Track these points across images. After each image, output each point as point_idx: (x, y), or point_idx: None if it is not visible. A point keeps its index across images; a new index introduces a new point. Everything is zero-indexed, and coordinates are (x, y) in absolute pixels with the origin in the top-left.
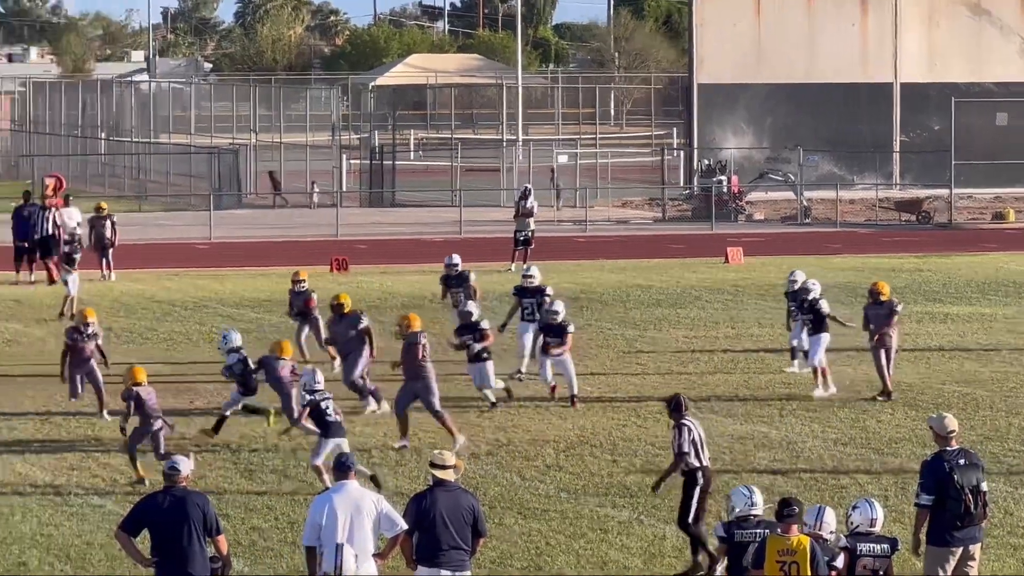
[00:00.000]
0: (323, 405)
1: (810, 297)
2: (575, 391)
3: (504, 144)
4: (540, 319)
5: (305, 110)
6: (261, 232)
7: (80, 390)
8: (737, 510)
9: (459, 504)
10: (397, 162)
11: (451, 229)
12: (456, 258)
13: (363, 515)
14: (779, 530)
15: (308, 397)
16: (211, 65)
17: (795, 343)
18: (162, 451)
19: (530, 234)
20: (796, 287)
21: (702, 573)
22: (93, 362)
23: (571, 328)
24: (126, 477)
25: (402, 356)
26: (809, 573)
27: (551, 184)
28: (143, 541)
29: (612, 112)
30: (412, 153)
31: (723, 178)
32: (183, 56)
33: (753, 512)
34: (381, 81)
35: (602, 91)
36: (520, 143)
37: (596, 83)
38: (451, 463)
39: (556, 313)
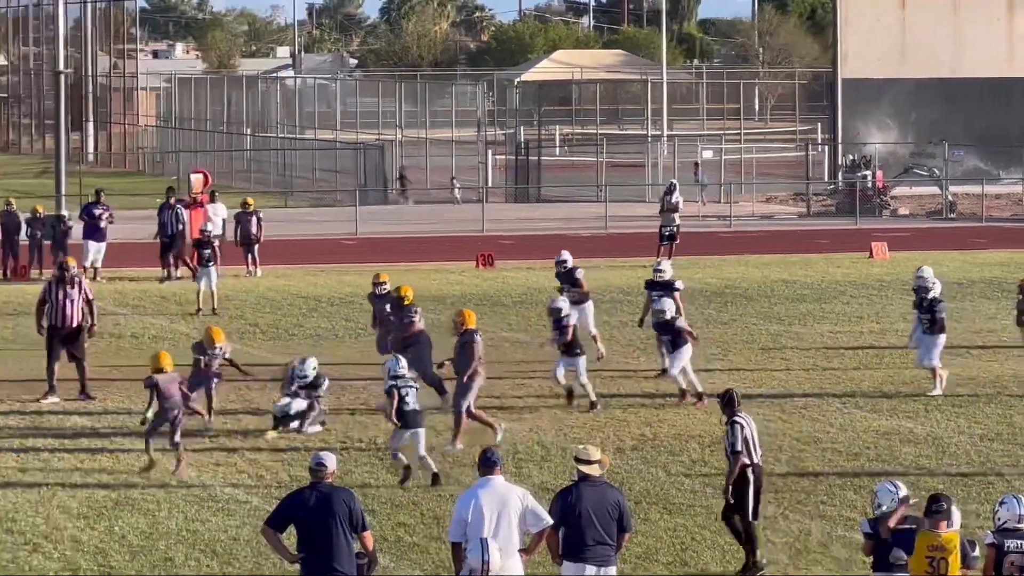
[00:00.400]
0: (403, 392)
1: (929, 296)
2: (682, 384)
3: (649, 140)
4: (653, 317)
5: (451, 106)
6: (407, 228)
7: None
8: (884, 507)
9: (605, 499)
10: (542, 157)
11: (596, 224)
12: (565, 255)
13: (509, 510)
14: (928, 526)
15: (390, 383)
16: (356, 61)
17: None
18: (176, 439)
19: (675, 229)
20: (922, 283)
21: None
22: (214, 380)
23: (681, 323)
24: (272, 473)
25: (455, 353)
26: (958, 570)
27: (695, 179)
28: (289, 537)
29: (756, 107)
30: (557, 149)
31: (868, 173)
32: (328, 52)
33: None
34: (526, 77)
35: (746, 87)
36: (665, 139)
37: (740, 78)
38: (596, 458)
39: (663, 311)
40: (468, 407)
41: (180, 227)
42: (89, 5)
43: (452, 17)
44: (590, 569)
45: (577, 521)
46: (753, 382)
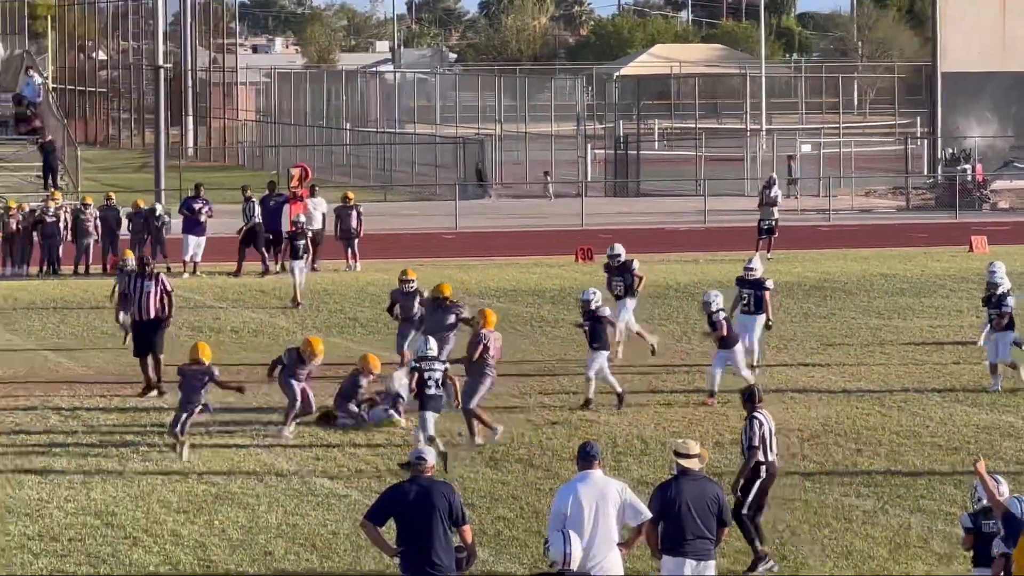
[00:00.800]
0: (426, 376)
1: (999, 292)
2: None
3: (748, 134)
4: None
5: (550, 100)
6: (506, 222)
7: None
8: (984, 501)
9: (704, 493)
10: (641, 152)
11: (695, 219)
12: (618, 248)
13: (608, 504)
14: None
15: (414, 363)
16: (455, 55)
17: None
18: (185, 426)
19: (774, 223)
20: (992, 278)
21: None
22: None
23: (721, 316)
24: (371, 467)
25: (467, 350)
26: None
27: (788, 174)
28: (388, 531)
29: (855, 101)
30: (656, 143)
31: (967, 167)
32: (428, 46)
33: None
34: (626, 71)
35: (845, 80)
36: (764, 132)
37: (839, 72)
38: (695, 452)
39: (708, 303)
40: (471, 405)
41: (253, 220)
42: (188, 0)
43: (551, 11)
44: (690, 563)
45: (676, 515)
46: (852, 376)
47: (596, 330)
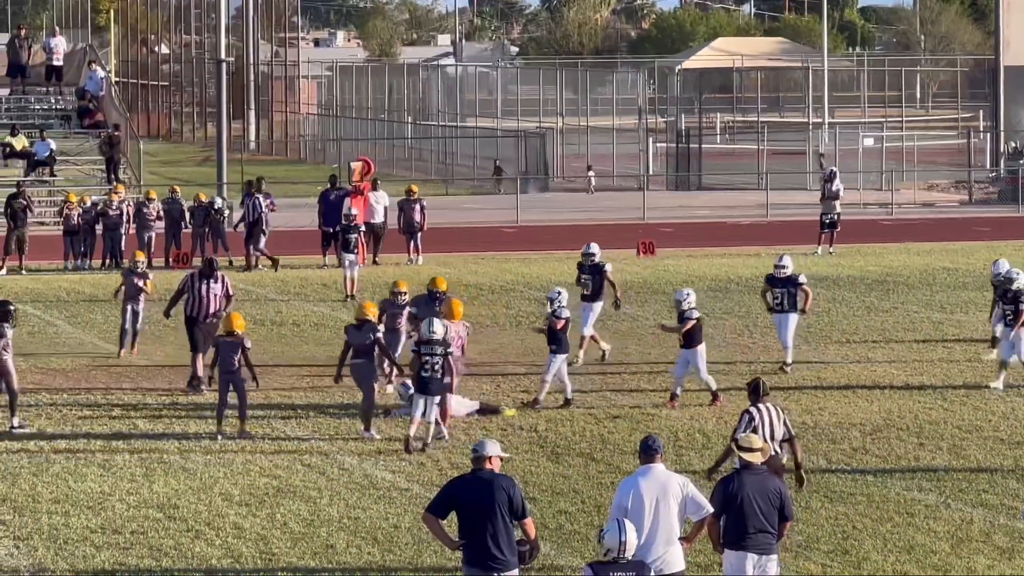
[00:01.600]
0: (424, 359)
1: (1014, 287)
2: (712, 385)
3: (810, 127)
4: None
5: (612, 94)
6: (568, 216)
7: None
8: None
9: (766, 487)
10: (703, 145)
11: (757, 212)
12: (593, 247)
13: (669, 498)
14: None
15: (414, 347)
16: (517, 49)
17: (996, 330)
18: (243, 409)
19: (836, 217)
20: (1009, 275)
21: None
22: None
23: (695, 314)
24: (433, 460)
25: None
26: None
27: (820, 168)
28: (450, 524)
29: (918, 95)
30: (718, 136)
31: None
32: (489, 40)
33: None
34: (687, 64)
35: (908, 74)
36: (826, 126)
37: (902, 66)
38: (758, 446)
39: (680, 301)
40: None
41: (257, 215)
42: None
43: (613, 5)
44: (752, 557)
45: (739, 509)
46: (914, 370)
47: (555, 333)
